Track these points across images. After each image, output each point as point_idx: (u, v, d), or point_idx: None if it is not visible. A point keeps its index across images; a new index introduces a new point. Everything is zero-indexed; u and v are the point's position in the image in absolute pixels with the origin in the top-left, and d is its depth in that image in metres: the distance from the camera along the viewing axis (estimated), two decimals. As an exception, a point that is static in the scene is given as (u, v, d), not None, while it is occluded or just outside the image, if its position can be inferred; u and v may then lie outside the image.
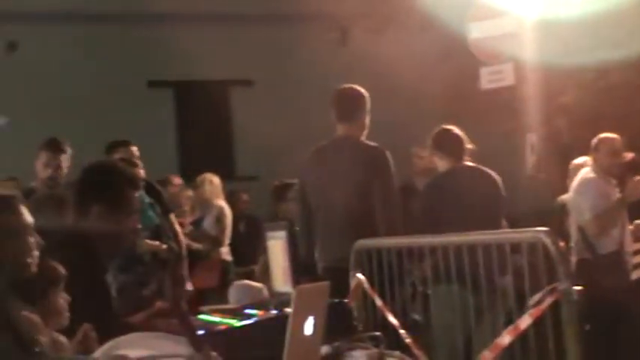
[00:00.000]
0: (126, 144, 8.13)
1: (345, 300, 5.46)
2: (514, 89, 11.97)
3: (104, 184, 4.42)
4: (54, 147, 7.64)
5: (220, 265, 10.41)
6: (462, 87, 13.32)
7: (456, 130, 6.95)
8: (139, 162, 7.83)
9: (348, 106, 6.70)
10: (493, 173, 6.83)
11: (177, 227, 8.36)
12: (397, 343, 5.07)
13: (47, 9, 14.53)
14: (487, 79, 12.08)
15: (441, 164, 6.94)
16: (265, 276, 8.24)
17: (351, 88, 6.81)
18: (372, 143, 6.60)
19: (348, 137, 6.65)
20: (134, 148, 8.08)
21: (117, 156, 7.64)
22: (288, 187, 8.98)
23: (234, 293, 5.84)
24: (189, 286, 8.62)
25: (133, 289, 6.35)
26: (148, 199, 7.50)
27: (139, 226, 4.63)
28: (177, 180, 11.29)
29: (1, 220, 3.38)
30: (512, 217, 7.65)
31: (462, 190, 6.66)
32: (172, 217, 8.32)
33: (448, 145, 6.91)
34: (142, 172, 7.61)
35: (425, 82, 13.92)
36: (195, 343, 2.71)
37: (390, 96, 12.89)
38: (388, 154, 6.52)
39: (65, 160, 7.59)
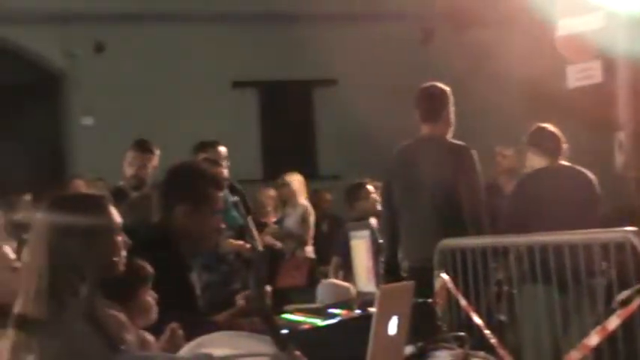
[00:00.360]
0: (214, 144, 8.20)
1: (430, 300, 5.43)
2: (602, 87, 11.78)
3: (188, 184, 4.45)
4: (141, 147, 7.75)
5: (308, 263, 10.44)
6: (547, 85, 13.16)
7: (552, 128, 6.87)
8: (225, 162, 7.90)
9: (431, 106, 6.67)
10: (589, 173, 6.73)
11: (252, 228, 8.49)
12: (482, 344, 5.02)
13: (134, 10, 14.71)
14: (574, 77, 11.90)
15: (537, 162, 6.85)
16: (338, 276, 8.25)
17: (433, 87, 6.77)
18: (457, 142, 6.56)
19: (432, 136, 6.61)
20: (222, 149, 8.15)
21: (204, 156, 7.70)
22: (361, 187, 8.98)
23: (322, 292, 5.84)
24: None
25: (217, 288, 6.40)
26: (231, 199, 7.55)
27: (223, 226, 4.65)
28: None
29: (90, 220, 3.43)
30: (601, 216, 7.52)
31: (558, 189, 6.57)
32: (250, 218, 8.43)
33: (545, 142, 6.82)
34: (225, 172, 7.67)
35: (509, 81, 13.78)
36: (279, 342, 2.71)
37: (473, 95, 12.81)
38: (474, 152, 6.47)
39: (152, 161, 7.68)
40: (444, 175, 6.41)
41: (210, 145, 8.18)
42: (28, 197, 10.23)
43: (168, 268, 3.93)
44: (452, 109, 6.69)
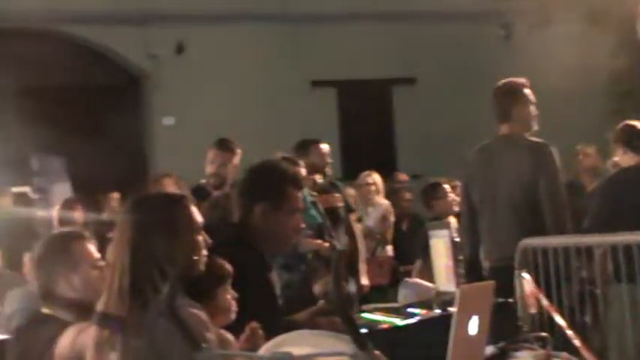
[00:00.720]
0: (316, 142, 8.25)
1: (511, 300, 5.38)
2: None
3: (267, 183, 4.47)
4: (222, 146, 7.81)
5: (390, 262, 10.43)
6: (631, 83, 12.98)
7: None
8: (328, 159, 7.96)
9: (504, 105, 6.59)
10: None
11: (356, 227, 8.56)
12: (564, 345, 4.96)
13: (214, 10, 14.83)
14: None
15: (625, 160, 6.75)
16: (422, 276, 8.22)
17: (506, 85, 6.68)
18: (536, 139, 6.48)
19: (510, 135, 6.54)
20: (324, 146, 8.20)
21: (306, 154, 7.84)
22: (438, 186, 8.94)
23: (404, 291, 5.82)
24: (364, 281, 8.77)
25: (296, 288, 6.41)
26: (310, 198, 7.57)
27: (303, 226, 4.66)
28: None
29: (171, 219, 3.46)
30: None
31: None
32: (352, 216, 8.50)
33: (635, 140, 6.72)
34: (328, 170, 7.84)
35: (592, 78, 13.61)
36: (359, 341, 2.70)
37: (555, 92, 12.67)
38: (554, 150, 6.39)
39: (232, 160, 7.74)
40: (522, 174, 6.34)
41: (312, 143, 8.23)
42: (115, 196, 10.39)
43: (248, 267, 3.95)
44: (529, 106, 6.59)
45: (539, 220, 6.29)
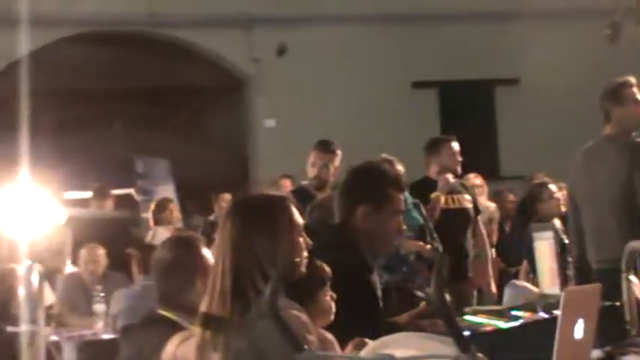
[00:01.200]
0: (447, 140, 8.21)
1: (617, 303, 5.27)
2: None
3: (369, 185, 4.45)
4: (324, 147, 7.83)
5: (497, 265, 10.34)
6: None
7: None
8: (459, 158, 7.97)
9: (605, 106, 6.49)
10: None
11: (482, 229, 8.48)
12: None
13: (315, 13, 14.89)
14: None
15: None
16: (528, 279, 8.11)
17: (608, 86, 6.58)
18: (636, 140, 6.37)
19: (610, 136, 6.44)
20: (454, 145, 8.15)
21: (437, 153, 7.80)
22: (544, 187, 8.82)
23: (510, 294, 5.76)
24: (492, 286, 8.65)
25: (397, 289, 6.38)
26: (412, 200, 7.54)
27: (404, 228, 4.63)
28: None
29: (273, 220, 3.47)
30: None
31: None
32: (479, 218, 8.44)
33: None
34: (458, 169, 7.85)
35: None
36: (462, 343, 2.67)
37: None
38: None
39: (334, 161, 7.75)
40: (619, 174, 6.25)
41: (443, 141, 8.18)
42: (226, 197, 10.48)
43: (349, 268, 3.94)
44: (630, 106, 6.46)
45: (636, 222, 6.19)
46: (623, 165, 6.26)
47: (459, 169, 7.95)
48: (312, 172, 7.79)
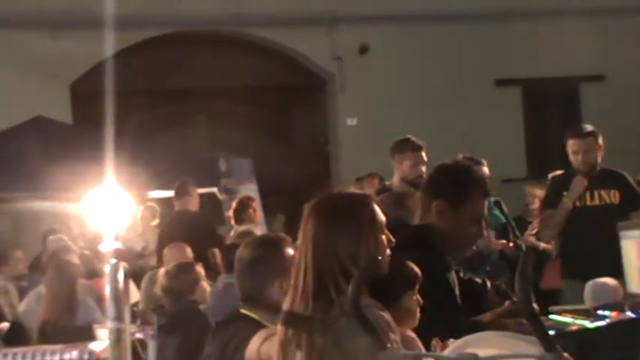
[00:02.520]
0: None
1: None
2: None
3: (450, 182, 4.42)
4: (411, 146, 7.75)
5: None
6: None
7: None
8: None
9: None
10: None
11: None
12: None
13: (396, 11, 14.86)
14: None
15: None
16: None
17: None
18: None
19: None
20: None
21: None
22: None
23: (590, 292, 5.68)
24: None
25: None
26: (493, 198, 7.47)
27: (484, 234, 4.56)
28: None
29: (355, 218, 3.46)
30: None
31: None
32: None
33: None
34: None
35: None
36: (547, 343, 2.63)
37: None
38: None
39: (422, 159, 7.68)
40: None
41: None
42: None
43: (426, 266, 3.90)
44: None
45: None
46: None
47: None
48: (406, 172, 7.70)
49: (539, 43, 15.25)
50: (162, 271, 7.15)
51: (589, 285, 5.79)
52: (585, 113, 15.97)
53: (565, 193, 7.48)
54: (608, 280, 5.81)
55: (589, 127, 7.99)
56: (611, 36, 15.11)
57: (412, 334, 3.71)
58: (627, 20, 15.08)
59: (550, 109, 15.78)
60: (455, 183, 4.40)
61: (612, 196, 7.55)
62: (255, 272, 4.12)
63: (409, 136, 7.96)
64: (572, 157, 7.70)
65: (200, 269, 6.84)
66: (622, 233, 5.77)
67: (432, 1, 15.03)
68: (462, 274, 4.51)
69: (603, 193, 7.57)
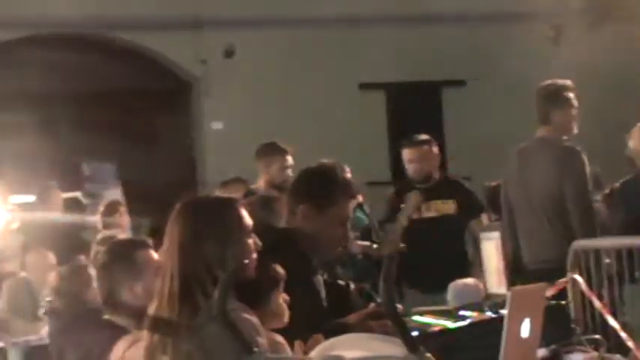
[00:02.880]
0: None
1: (563, 302, 5.34)
2: None
3: (315, 185, 4.45)
4: (273, 150, 7.79)
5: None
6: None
7: None
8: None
9: (544, 107, 6.57)
10: None
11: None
12: (617, 347, 4.91)
13: (263, 15, 14.88)
14: None
15: None
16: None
17: (548, 87, 6.66)
18: (567, 144, 6.47)
19: (545, 138, 6.53)
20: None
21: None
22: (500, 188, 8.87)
23: (453, 293, 5.81)
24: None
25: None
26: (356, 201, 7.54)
27: (350, 236, 4.61)
28: None
29: (222, 222, 3.46)
30: None
31: None
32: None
33: None
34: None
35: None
36: (410, 344, 2.69)
37: (604, 94, 12.55)
38: (582, 155, 6.36)
39: (284, 163, 7.72)
40: (550, 179, 6.34)
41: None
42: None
43: (290, 269, 3.93)
44: (569, 110, 6.55)
45: (567, 225, 6.29)
46: (554, 169, 6.34)
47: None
48: (263, 175, 7.75)
49: (403, 48, 15.46)
50: (54, 273, 7.00)
51: (451, 286, 5.91)
52: (447, 118, 16.28)
53: (402, 206, 7.37)
54: (470, 281, 5.95)
55: (423, 136, 7.94)
56: (472, 42, 15.42)
57: (280, 339, 3.73)
58: (488, 26, 15.42)
59: (413, 113, 16.01)
60: (320, 186, 4.44)
61: (448, 207, 7.51)
62: (108, 276, 4.08)
63: (275, 140, 7.99)
64: (407, 167, 7.66)
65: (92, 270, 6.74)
66: (482, 235, 5.92)
67: (297, 5, 15.08)
68: (326, 277, 4.55)
69: (439, 203, 7.51)
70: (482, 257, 5.78)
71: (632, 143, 6.94)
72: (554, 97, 6.55)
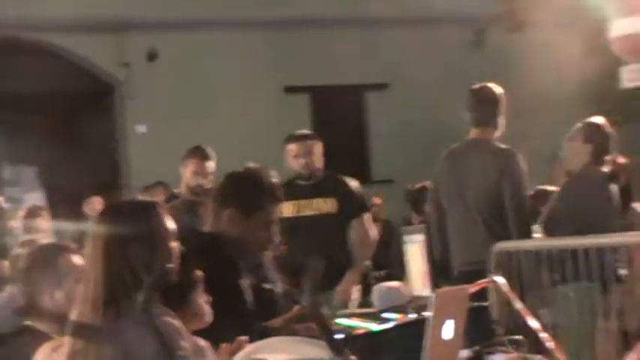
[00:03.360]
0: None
1: (485, 304, 5.40)
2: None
3: (240, 190, 4.46)
4: (197, 154, 7.76)
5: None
6: (602, 86, 13.05)
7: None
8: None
9: (481, 111, 6.62)
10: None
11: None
12: (538, 347, 4.98)
13: (186, 17, 14.82)
14: (628, 78, 11.79)
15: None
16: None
17: (484, 91, 6.71)
18: (503, 145, 6.52)
19: (479, 140, 6.58)
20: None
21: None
22: (424, 190, 8.92)
23: (378, 296, 5.84)
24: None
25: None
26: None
27: (277, 239, 4.61)
28: None
29: (144, 227, 3.45)
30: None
31: None
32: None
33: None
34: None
35: (563, 83, 13.68)
36: (334, 347, 2.71)
37: (526, 98, 12.71)
38: (519, 156, 6.43)
39: (208, 167, 7.70)
40: (487, 180, 6.39)
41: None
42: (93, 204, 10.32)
43: (217, 273, 3.92)
44: (503, 111, 6.64)
45: (503, 225, 6.34)
46: (492, 171, 6.40)
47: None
48: (186, 179, 7.72)
49: (328, 51, 15.51)
50: None
51: (375, 289, 5.95)
52: (371, 120, 16.38)
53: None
54: (393, 284, 5.99)
55: (308, 132, 7.81)
56: (394, 46, 15.52)
57: (204, 343, 3.72)
58: (410, 31, 15.53)
59: (337, 116, 16.07)
60: (246, 190, 4.44)
61: (329, 205, 7.31)
62: (29, 281, 4.04)
63: (198, 143, 7.96)
64: (292, 162, 7.45)
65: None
66: (405, 237, 5.96)
67: (221, 8, 15.05)
68: (252, 280, 4.55)
69: (320, 201, 7.33)
70: (406, 259, 5.82)
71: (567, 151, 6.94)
72: (494, 100, 6.62)
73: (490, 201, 6.38)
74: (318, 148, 7.54)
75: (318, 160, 7.50)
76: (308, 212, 7.25)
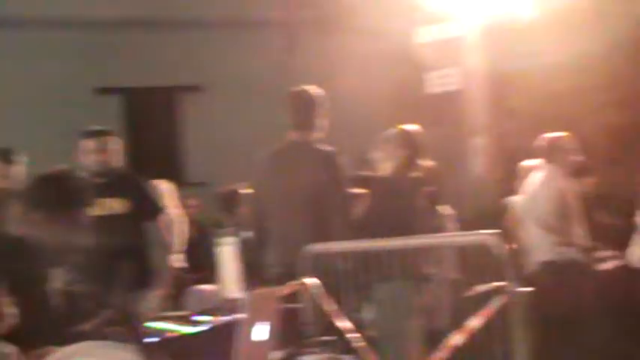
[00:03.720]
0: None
1: (297, 305, 5.46)
2: (460, 93, 12.05)
3: (47, 191, 4.38)
4: (3, 156, 7.56)
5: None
6: (409, 91, 13.38)
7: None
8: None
9: (302, 113, 6.65)
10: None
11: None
12: (348, 348, 5.08)
13: (2, 14, 14.44)
14: (433, 84, 12.17)
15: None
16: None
17: (304, 93, 6.75)
18: (325, 147, 6.58)
19: (301, 142, 6.61)
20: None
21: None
22: (236, 193, 8.92)
23: (190, 299, 5.83)
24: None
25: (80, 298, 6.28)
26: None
27: (83, 242, 4.53)
28: None
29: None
30: (459, 218, 7.67)
31: None
32: None
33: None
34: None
35: (373, 86, 13.95)
36: (145, 350, 2.70)
37: (338, 101, 12.90)
38: (341, 157, 6.51)
39: (16, 171, 7.50)
40: (312, 182, 6.42)
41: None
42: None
43: (23, 277, 3.84)
44: (323, 113, 6.71)
45: (326, 227, 6.39)
46: (317, 173, 6.45)
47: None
48: None
49: (139, 52, 15.35)
50: None
51: (188, 292, 5.93)
52: (184, 122, 16.30)
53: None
54: (206, 287, 5.99)
55: (103, 128, 7.63)
56: (208, 48, 15.50)
57: (10, 349, 3.64)
58: (224, 33, 15.54)
59: (150, 119, 15.93)
60: (53, 193, 4.36)
61: (121, 205, 7.11)
62: None
63: (9, 145, 7.76)
64: (84, 158, 7.26)
65: None
66: (218, 240, 5.96)
67: (30, 5, 14.70)
68: (60, 284, 4.47)
69: (113, 201, 7.08)
70: (218, 262, 5.82)
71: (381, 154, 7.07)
72: (314, 102, 6.67)
73: (314, 202, 6.41)
74: (112, 145, 7.37)
75: (114, 157, 7.33)
76: (102, 212, 6.78)
